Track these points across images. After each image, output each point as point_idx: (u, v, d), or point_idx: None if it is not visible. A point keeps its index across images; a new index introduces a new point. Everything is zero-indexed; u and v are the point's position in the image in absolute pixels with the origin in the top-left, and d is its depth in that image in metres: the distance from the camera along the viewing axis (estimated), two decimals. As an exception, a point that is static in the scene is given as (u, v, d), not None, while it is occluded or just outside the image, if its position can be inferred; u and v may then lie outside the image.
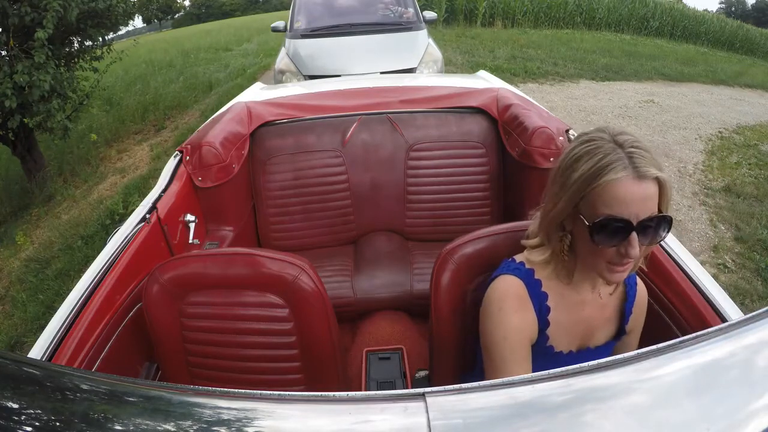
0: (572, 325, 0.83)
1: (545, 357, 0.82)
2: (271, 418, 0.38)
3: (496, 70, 6.24)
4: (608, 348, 0.88)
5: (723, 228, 3.15)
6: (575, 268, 0.81)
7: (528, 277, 0.81)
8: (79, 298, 0.98)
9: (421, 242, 1.79)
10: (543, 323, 0.81)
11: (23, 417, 0.36)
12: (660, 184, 0.69)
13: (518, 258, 0.84)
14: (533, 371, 0.79)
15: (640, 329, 0.91)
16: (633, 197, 0.68)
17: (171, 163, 1.50)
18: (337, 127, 1.74)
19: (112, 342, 1.01)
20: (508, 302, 0.80)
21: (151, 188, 1.41)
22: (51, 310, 2.39)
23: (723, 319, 0.84)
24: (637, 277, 0.88)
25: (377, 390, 1.19)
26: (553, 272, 0.82)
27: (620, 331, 0.87)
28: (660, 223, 0.70)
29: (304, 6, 4.55)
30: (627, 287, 0.87)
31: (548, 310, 0.81)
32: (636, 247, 0.69)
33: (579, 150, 0.73)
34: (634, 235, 0.69)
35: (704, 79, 7.98)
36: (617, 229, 0.69)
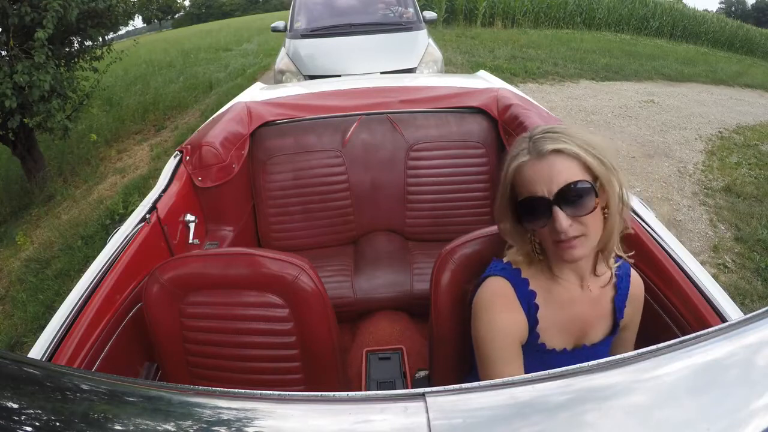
0: (564, 322, 0.83)
1: (538, 354, 0.83)
2: (271, 418, 0.38)
3: (496, 70, 6.23)
4: (605, 345, 0.87)
5: (723, 228, 3.15)
6: (551, 263, 0.82)
7: (515, 277, 0.82)
8: (79, 298, 0.98)
9: (421, 242, 1.79)
10: (532, 321, 0.81)
11: (23, 417, 0.36)
12: (573, 156, 0.72)
13: (505, 258, 0.85)
14: (528, 369, 0.80)
15: (637, 325, 0.90)
16: (539, 175, 0.73)
17: (171, 163, 1.50)
18: (337, 127, 1.74)
19: (112, 342, 1.01)
20: (495, 303, 0.81)
21: (151, 188, 1.40)
22: (51, 310, 2.39)
23: (723, 319, 0.84)
24: (632, 270, 0.88)
25: (377, 390, 1.19)
26: (537, 270, 0.83)
27: (616, 327, 0.87)
28: (580, 189, 0.72)
29: (304, 6, 4.55)
30: (617, 279, 0.86)
31: (537, 308, 0.81)
32: (561, 219, 0.71)
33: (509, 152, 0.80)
34: (555, 209, 0.72)
35: (704, 79, 7.98)
36: (537, 207, 0.73)
